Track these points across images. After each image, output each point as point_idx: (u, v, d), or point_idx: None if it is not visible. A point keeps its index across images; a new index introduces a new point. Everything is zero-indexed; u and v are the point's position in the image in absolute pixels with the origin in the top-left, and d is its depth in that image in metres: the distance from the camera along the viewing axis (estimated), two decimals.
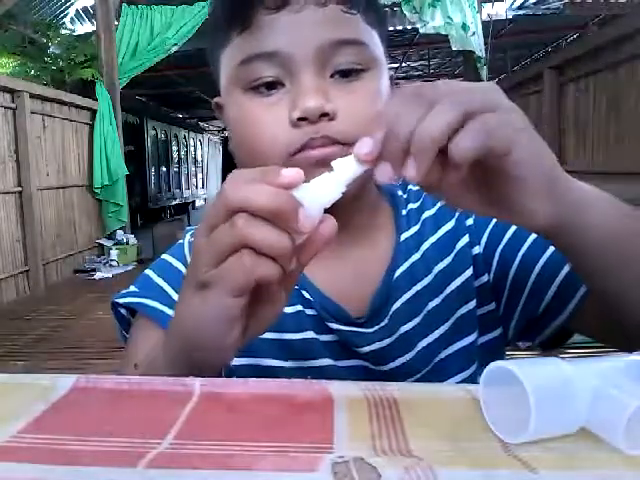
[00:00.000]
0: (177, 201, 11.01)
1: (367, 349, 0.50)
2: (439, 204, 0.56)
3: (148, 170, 9.18)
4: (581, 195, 0.38)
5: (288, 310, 0.50)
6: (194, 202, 12.32)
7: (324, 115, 0.44)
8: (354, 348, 0.50)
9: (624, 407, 0.27)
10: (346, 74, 0.46)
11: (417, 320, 0.51)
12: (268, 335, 0.50)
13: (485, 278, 0.54)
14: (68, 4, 7.02)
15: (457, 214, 0.55)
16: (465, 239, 0.54)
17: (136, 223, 7.64)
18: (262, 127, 0.46)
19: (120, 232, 5.75)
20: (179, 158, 11.24)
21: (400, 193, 0.58)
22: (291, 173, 0.32)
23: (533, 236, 0.52)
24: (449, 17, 5.14)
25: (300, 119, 0.44)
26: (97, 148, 5.54)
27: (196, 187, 12.63)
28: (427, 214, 0.56)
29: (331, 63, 0.45)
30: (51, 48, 6.58)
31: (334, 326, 0.50)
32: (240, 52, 0.47)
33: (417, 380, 0.51)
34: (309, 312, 0.51)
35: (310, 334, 0.50)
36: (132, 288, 0.54)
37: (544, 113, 4.38)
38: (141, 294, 0.52)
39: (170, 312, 0.50)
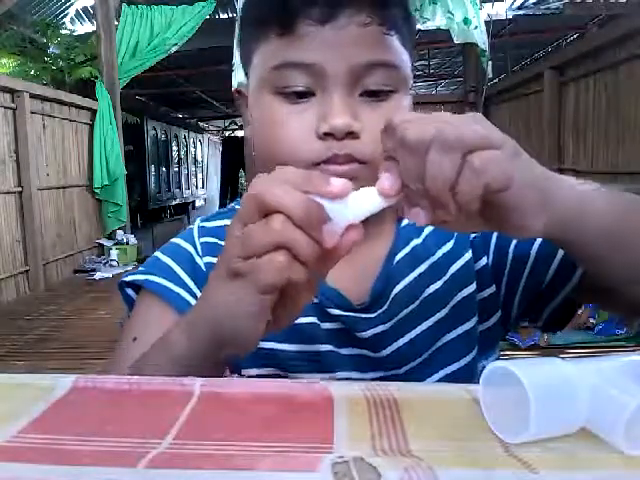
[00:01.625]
0: (177, 201, 11.00)
1: (368, 334, 0.51)
2: None
3: (148, 170, 9.18)
4: (572, 196, 0.39)
5: None
6: (194, 202, 12.32)
7: (350, 133, 0.46)
8: (355, 333, 0.51)
9: (624, 407, 0.27)
10: (375, 94, 0.47)
11: (417, 304, 0.52)
12: None
13: (484, 261, 0.55)
14: (68, 4, 7.02)
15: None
16: (465, 258, 0.55)
17: (136, 223, 7.64)
18: (288, 133, 0.47)
19: (120, 232, 5.75)
20: (179, 158, 11.23)
21: None
22: (339, 183, 0.34)
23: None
24: (450, 12, 5.13)
25: (326, 134, 0.46)
26: (97, 148, 5.54)
27: (196, 187, 12.62)
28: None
29: (363, 82, 0.47)
30: (51, 48, 6.58)
31: (335, 312, 0.51)
32: (276, 56, 0.47)
33: (418, 365, 0.52)
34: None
35: (313, 319, 0.51)
36: (140, 269, 0.55)
37: (544, 113, 4.38)
38: (147, 272, 0.53)
39: (177, 290, 0.52)
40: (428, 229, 0.55)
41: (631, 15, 3.24)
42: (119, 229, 5.79)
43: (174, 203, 10.88)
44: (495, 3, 5.99)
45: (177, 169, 11.14)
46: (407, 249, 0.54)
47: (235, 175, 11.59)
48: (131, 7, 5.94)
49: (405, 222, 0.55)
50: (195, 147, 12.58)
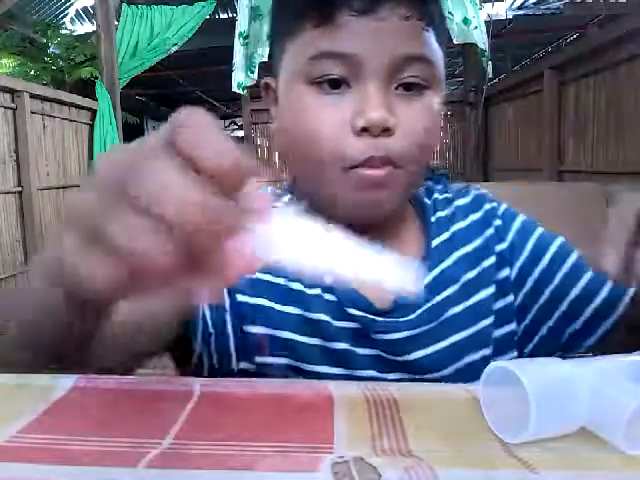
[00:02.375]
0: None
1: (385, 337, 0.50)
2: (470, 218, 0.57)
3: None
4: None
5: (309, 291, 0.51)
6: None
7: (385, 130, 0.45)
8: (371, 335, 0.50)
9: (624, 407, 0.27)
10: (409, 88, 0.47)
11: (435, 324, 0.51)
12: (287, 309, 0.51)
13: (510, 298, 0.54)
14: (68, 4, 7.01)
15: (488, 234, 0.55)
16: (491, 260, 0.54)
17: None
18: (324, 125, 0.46)
19: None
20: None
21: (426, 200, 0.58)
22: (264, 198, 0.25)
23: (571, 261, 0.54)
24: (450, 13, 5.13)
25: (363, 129, 0.45)
26: (97, 148, 5.54)
27: None
28: (458, 226, 0.56)
29: (399, 76, 0.46)
30: (51, 48, 6.58)
31: (353, 312, 0.50)
32: (313, 46, 0.46)
33: (446, 376, 0.51)
34: (328, 297, 0.51)
35: (325, 317, 0.50)
36: None
37: (544, 113, 4.38)
38: None
39: None
40: (458, 253, 0.54)
41: (631, 15, 3.24)
42: None
43: None
44: (495, 3, 5.99)
45: None
46: (437, 271, 0.53)
47: None
48: (131, 7, 5.94)
49: (435, 242, 0.54)
50: None
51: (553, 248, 0.55)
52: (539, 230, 0.56)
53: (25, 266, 4.44)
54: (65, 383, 0.36)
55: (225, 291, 0.50)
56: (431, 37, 0.48)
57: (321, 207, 0.51)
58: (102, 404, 0.34)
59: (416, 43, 0.46)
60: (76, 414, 0.32)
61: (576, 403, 0.29)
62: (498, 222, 0.56)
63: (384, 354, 0.51)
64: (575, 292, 0.53)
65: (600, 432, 0.29)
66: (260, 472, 0.26)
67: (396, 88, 0.47)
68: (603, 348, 0.52)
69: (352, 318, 0.51)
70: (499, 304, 0.54)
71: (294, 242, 0.26)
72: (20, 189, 4.41)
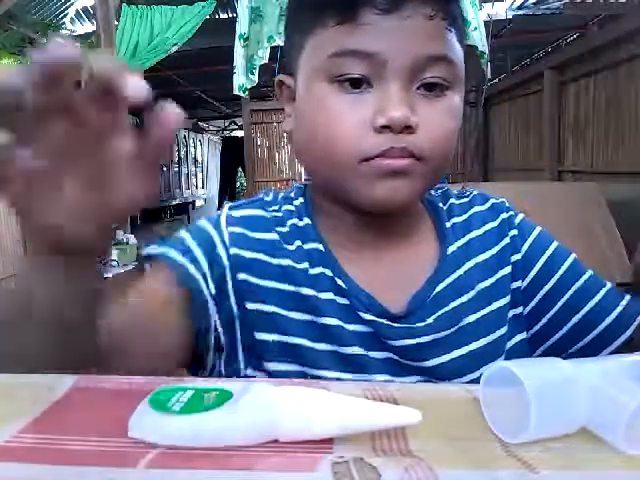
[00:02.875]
0: (177, 201, 10.99)
1: (398, 343, 0.49)
2: (487, 226, 0.56)
3: None
4: None
5: (321, 296, 0.50)
6: (194, 202, 12.30)
7: (407, 127, 0.45)
8: (385, 340, 0.50)
9: (624, 407, 0.27)
10: (431, 88, 0.47)
11: (449, 332, 0.51)
12: (297, 315, 0.50)
13: (519, 309, 0.55)
14: (68, 4, 7.01)
15: (504, 244, 0.55)
16: (507, 270, 0.54)
17: (136, 223, 7.63)
18: (343, 124, 0.46)
19: (120, 232, 5.75)
20: (179, 158, 11.22)
21: (441, 205, 0.58)
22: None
23: (584, 279, 0.54)
24: None
25: (383, 127, 0.45)
26: None
27: (196, 187, 12.60)
28: (474, 234, 0.56)
29: (421, 76, 0.46)
30: None
31: (366, 316, 0.50)
32: (335, 44, 0.46)
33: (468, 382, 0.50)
34: (341, 301, 0.51)
35: (336, 321, 0.50)
36: (160, 244, 0.53)
37: (544, 113, 4.38)
38: (165, 245, 0.52)
39: (192, 271, 0.49)
40: (473, 261, 0.54)
41: (631, 15, 3.24)
42: (119, 229, 5.78)
43: (174, 203, 10.87)
44: (495, 3, 5.98)
45: (177, 169, 11.14)
46: (452, 278, 0.53)
47: (234, 175, 11.60)
48: (131, 7, 5.94)
49: (451, 249, 0.54)
50: (195, 147, 12.57)
51: (567, 263, 0.55)
52: (554, 244, 0.56)
53: None
54: (65, 383, 0.36)
55: (234, 299, 0.50)
56: (453, 37, 0.48)
57: (340, 203, 0.52)
58: (102, 404, 0.34)
59: (439, 43, 0.46)
60: (76, 414, 0.32)
61: (576, 403, 0.29)
62: (514, 232, 0.56)
63: (399, 358, 0.50)
64: (585, 310, 0.53)
65: (600, 432, 0.29)
66: (260, 472, 0.26)
67: (417, 88, 0.46)
68: None
69: (365, 322, 0.50)
70: (511, 313, 0.54)
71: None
72: None
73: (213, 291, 0.49)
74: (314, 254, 0.52)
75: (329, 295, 0.50)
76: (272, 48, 5.45)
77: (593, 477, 0.26)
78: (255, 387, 0.31)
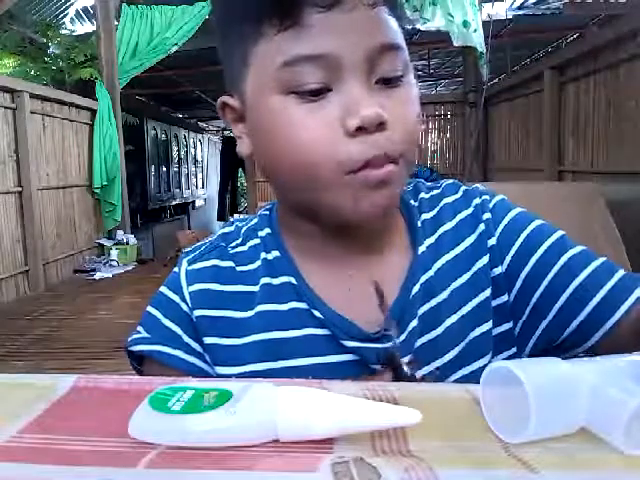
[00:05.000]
0: (177, 201, 10.99)
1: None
2: (459, 216, 0.53)
3: (148, 170, 9.16)
4: None
5: (295, 334, 0.48)
6: (194, 202, 12.30)
7: (380, 124, 0.42)
8: (371, 365, 0.47)
9: (624, 407, 0.27)
10: (389, 81, 0.44)
11: (433, 336, 0.49)
12: (276, 364, 0.48)
13: (505, 298, 0.51)
14: (68, 4, 7.01)
15: (479, 231, 0.52)
16: (485, 259, 0.51)
17: (136, 223, 7.63)
18: (313, 136, 0.42)
19: (120, 232, 5.75)
20: (179, 158, 11.21)
21: (412, 202, 0.55)
22: None
23: (568, 256, 0.49)
24: (450, 14, 5.13)
25: (357, 129, 0.41)
26: (97, 148, 5.54)
27: (196, 187, 12.60)
28: (445, 227, 0.53)
29: (378, 69, 0.43)
30: (51, 48, 6.58)
31: (349, 344, 0.47)
32: (282, 52, 0.42)
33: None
34: (320, 332, 0.48)
35: (319, 359, 0.48)
36: (142, 332, 0.51)
37: (544, 113, 4.38)
38: (153, 340, 0.50)
39: (184, 356, 0.49)
40: (444, 259, 0.51)
41: (631, 15, 3.24)
42: (119, 229, 5.79)
43: (174, 203, 10.86)
44: (495, 3, 5.98)
45: (177, 169, 11.13)
46: (423, 279, 0.50)
47: (234, 175, 11.60)
48: (131, 7, 5.94)
49: (421, 250, 0.51)
50: (195, 147, 12.57)
51: (549, 241, 0.50)
52: (535, 223, 0.52)
53: (25, 266, 4.44)
54: (65, 383, 0.36)
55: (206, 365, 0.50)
56: (396, 22, 0.45)
57: (316, 222, 0.49)
58: (102, 404, 0.34)
59: (387, 31, 0.44)
60: (76, 414, 0.32)
61: (576, 403, 0.29)
62: (487, 216, 0.52)
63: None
64: (572, 288, 0.48)
65: (600, 432, 0.29)
66: (260, 472, 0.26)
67: (376, 82, 0.44)
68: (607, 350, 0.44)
69: (349, 350, 0.48)
70: (495, 302, 0.51)
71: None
72: (20, 189, 4.41)
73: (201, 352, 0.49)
74: (284, 289, 0.50)
75: (306, 331, 0.48)
76: None
77: (593, 477, 0.26)
78: (255, 387, 0.31)
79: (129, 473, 0.26)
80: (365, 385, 0.36)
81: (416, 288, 0.49)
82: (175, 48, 5.99)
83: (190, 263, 0.52)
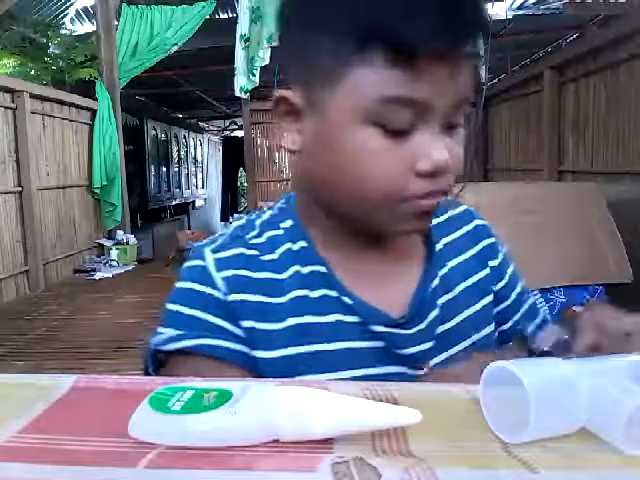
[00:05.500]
0: (177, 201, 10.99)
1: (411, 350, 0.51)
2: (465, 228, 0.60)
3: (148, 170, 9.16)
4: None
5: (327, 319, 0.50)
6: (194, 202, 12.30)
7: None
8: (398, 350, 0.50)
9: (624, 407, 0.27)
10: (452, 125, 0.46)
11: (447, 327, 0.53)
12: (306, 348, 0.49)
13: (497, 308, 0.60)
14: (68, 4, 7.01)
15: (480, 247, 0.60)
16: (487, 271, 0.59)
17: (136, 223, 7.63)
18: (385, 170, 0.45)
19: (120, 232, 5.75)
20: (179, 158, 11.21)
21: None
22: None
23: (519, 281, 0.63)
24: None
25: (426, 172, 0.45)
26: (97, 148, 5.54)
27: (196, 187, 12.59)
28: (454, 235, 0.59)
29: (452, 116, 0.45)
30: (51, 48, 6.58)
31: (378, 329, 0.50)
32: (384, 87, 0.42)
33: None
34: (349, 319, 0.50)
35: (350, 344, 0.50)
36: (169, 330, 0.49)
37: (544, 113, 4.38)
38: (190, 335, 0.48)
39: (229, 345, 0.48)
40: (453, 262, 0.57)
41: (631, 15, 3.24)
42: (119, 229, 5.79)
43: (174, 203, 10.86)
44: (495, 3, 5.98)
45: (177, 169, 11.13)
46: (443, 271, 0.55)
47: (235, 175, 11.60)
48: (131, 7, 5.94)
49: (438, 246, 0.57)
50: (195, 147, 12.57)
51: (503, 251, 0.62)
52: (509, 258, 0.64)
53: (25, 266, 4.44)
54: (65, 383, 0.36)
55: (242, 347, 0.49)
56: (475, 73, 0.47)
57: (352, 224, 0.51)
58: (102, 404, 0.34)
59: (470, 83, 0.46)
60: (76, 414, 0.32)
61: (576, 403, 0.29)
62: (490, 241, 0.61)
63: (405, 369, 0.51)
64: (517, 290, 0.62)
65: (600, 432, 0.29)
66: (260, 472, 0.26)
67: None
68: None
69: (377, 336, 0.50)
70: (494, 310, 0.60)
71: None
72: (20, 189, 4.41)
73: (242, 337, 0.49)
74: (314, 277, 0.51)
75: (335, 317, 0.50)
76: (272, 48, 5.45)
77: (593, 477, 0.26)
78: (255, 387, 0.31)
79: (129, 473, 0.26)
80: (365, 385, 0.36)
81: (436, 281, 0.54)
82: (175, 48, 6.00)
83: (215, 252, 0.51)
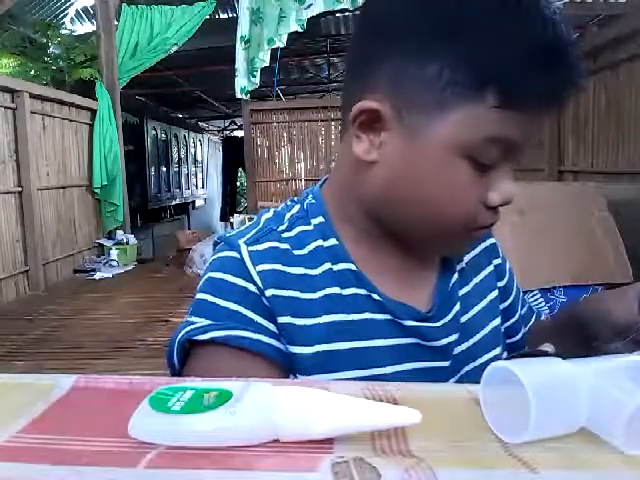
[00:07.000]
0: (177, 201, 10.98)
1: (442, 342, 0.53)
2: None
3: (148, 170, 9.15)
4: None
5: (358, 317, 0.51)
6: (194, 202, 12.29)
7: None
8: (429, 343, 0.52)
9: (624, 407, 0.27)
10: None
11: (465, 319, 0.56)
12: (341, 345, 0.49)
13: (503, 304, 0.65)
14: (68, 4, 7.02)
15: (485, 246, 0.63)
16: (490, 268, 0.63)
17: (136, 223, 7.63)
18: (463, 200, 0.47)
19: (120, 232, 5.75)
20: (179, 158, 11.20)
21: None
22: None
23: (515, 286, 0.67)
24: None
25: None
26: (97, 148, 5.54)
27: (196, 187, 12.59)
28: None
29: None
30: (51, 48, 6.59)
31: (409, 323, 0.52)
32: (491, 129, 0.44)
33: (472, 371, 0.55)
34: (379, 317, 0.51)
35: (382, 342, 0.51)
36: (200, 320, 0.48)
37: None
38: (224, 326, 0.47)
39: (262, 338, 0.48)
40: (469, 255, 0.60)
41: (631, 15, 3.24)
42: (119, 229, 5.79)
43: (174, 203, 10.86)
44: None
45: (177, 169, 11.12)
46: (458, 268, 0.58)
47: (234, 175, 11.60)
48: (131, 7, 5.94)
49: None
50: (195, 147, 12.56)
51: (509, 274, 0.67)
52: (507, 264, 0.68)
53: (25, 266, 4.44)
54: (65, 383, 0.36)
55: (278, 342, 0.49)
56: None
57: (392, 232, 0.53)
58: (102, 404, 0.34)
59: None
60: (76, 414, 0.32)
61: (576, 403, 0.29)
62: (493, 246, 0.65)
63: (439, 362, 0.53)
64: (513, 295, 0.66)
65: (600, 432, 0.29)
66: (260, 472, 0.26)
67: None
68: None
69: (408, 331, 0.52)
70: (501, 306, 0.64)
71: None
72: (20, 189, 4.41)
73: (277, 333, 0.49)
74: (345, 275, 0.52)
75: (366, 315, 0.51)
76: (272, 49, 5.45)
77: (593, 477, 0.26)
78: (255, 387, 0.31)
79: (129, 473, 0.26)
80: (365, 385, 0.36)
81: (455, 276, 0.57)
82: (175, 48, 6.00)
83: (249, 245, 0.51)
